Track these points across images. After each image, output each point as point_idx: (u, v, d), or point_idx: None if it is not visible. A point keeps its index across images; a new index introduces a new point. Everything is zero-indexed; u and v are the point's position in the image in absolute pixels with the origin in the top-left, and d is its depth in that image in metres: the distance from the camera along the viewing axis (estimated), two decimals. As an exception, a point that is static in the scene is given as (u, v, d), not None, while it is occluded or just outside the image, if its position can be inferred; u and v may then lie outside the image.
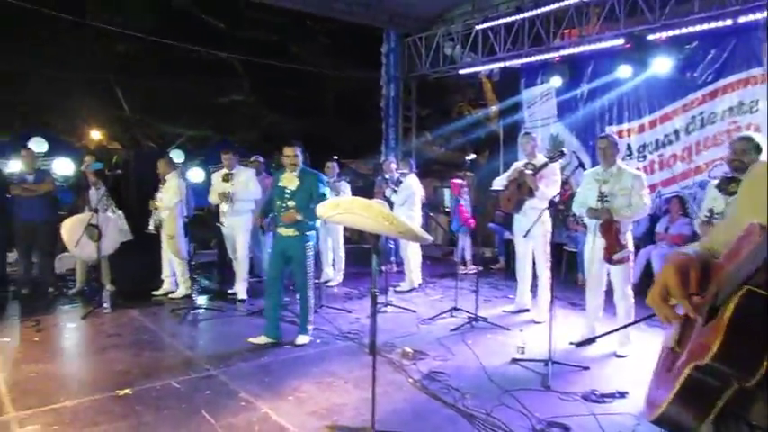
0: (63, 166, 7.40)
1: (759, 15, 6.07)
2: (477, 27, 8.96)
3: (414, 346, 4.70)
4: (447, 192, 15.35)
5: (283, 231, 4.82)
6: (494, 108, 11.88)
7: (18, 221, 6.30)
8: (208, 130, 15.32)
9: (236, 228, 6.28)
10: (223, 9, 13.90)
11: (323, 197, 4.71)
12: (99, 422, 3.32)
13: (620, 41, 7.26)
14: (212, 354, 4.61)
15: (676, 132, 7.23)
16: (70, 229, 5.87)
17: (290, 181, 4.82)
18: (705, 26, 6.52)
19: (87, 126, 14.32)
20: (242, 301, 6.28)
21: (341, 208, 2.87)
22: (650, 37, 6.95)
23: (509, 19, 8.50)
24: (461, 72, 9.67)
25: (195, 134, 15.00)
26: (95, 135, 14.37)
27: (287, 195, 4.79)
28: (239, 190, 6.16)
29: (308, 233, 4.82)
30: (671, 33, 6.84)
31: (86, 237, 5.83)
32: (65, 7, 10.80)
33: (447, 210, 12.18)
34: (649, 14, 6.89)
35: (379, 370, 4.18)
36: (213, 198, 6.30)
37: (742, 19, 6.22)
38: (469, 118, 14.52)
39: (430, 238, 3.26)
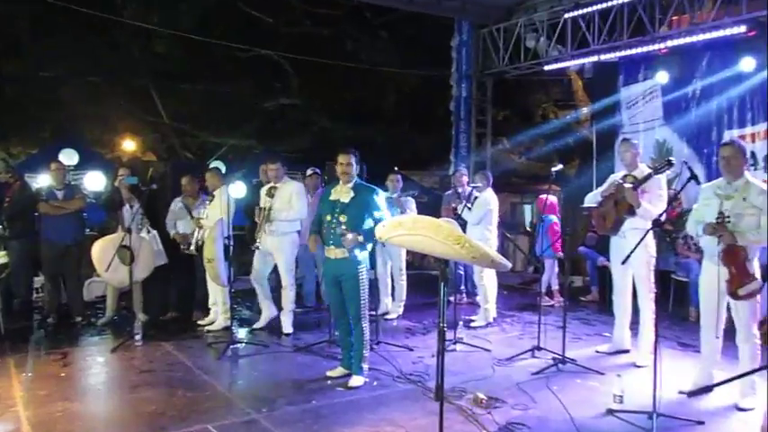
0: (94, 181, 7.74)
1: None
2: (566, 15, 8.95)
3: (488, 392, 4.63)
4: (528, 208, 15.21)
5: (332, 253, 4.87)
6: (585, 110, 11.71)
7: (46, 242, 6.64)
8: (251, 138, 15.82)
9: (276, 251, 6.38)
10: (270, 2, 14.40)
11: (380, 213, 4.80)
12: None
13: (742, 29, 7.06)
14: (254, 395, 4.70)
15: (815, 138, 6.89)
16: (101, 250, 6.17)
17: (343, 194, 4.86)
18: None
19: (120, 136, 15.12)
20: (287, 335, 6.40)
21: (404, 228, 2.90)
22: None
23: (605, 5, 8.44)
24: (546, 68, 9.64)
25: (238, 143, 15.52)
26: (129, 145, 15.13)
27: (338, 210, 4.82)
28: (279, 206, 6.27)
29: (360, 255, 4.84)
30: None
31: (118, 260, 6.11)
32: (97, 4, 11.50)
33: (528, 230, 12.04)
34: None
35: (446, 419, 4.18)
36: (255, 217, 6.46)
37: None
38: (555, 122, 14.39)
39: (508, 264, 3.24)
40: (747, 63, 7.08)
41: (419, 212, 7.22)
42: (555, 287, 8.31)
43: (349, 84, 15.71)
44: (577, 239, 8.58)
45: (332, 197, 4.93)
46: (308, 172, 7.48)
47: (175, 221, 6.90)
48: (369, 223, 4.78)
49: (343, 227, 4.73)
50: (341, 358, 5.14)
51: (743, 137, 7.45)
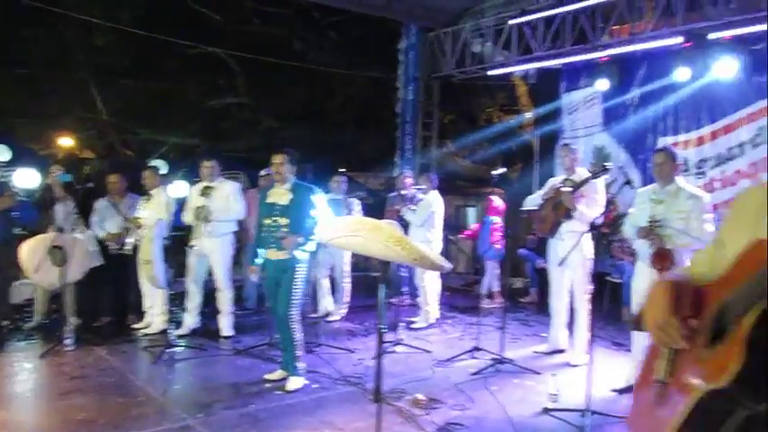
0: (26, 178, 7.44)
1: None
2: (511, 22, 9.05)
3: (427, 393, 4.67)
4: (472, 211, 15.38)
5: (272, 255, 4.81)
6: (528, 115, 11.92)
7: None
8: (195, 136, 15.51)
9: (212, 252, 6.23)
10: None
11: (316, 213, 4.76)
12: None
13: (679, 40, 7.26)
14: (190, 400, 4.62)
15: (741, 145, 7.17)
16: (30, 251, 5.91)
17: (280, 196, 4.81)
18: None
19: (56, 132, 14.56)
20: (227, 337, 6.28)
21: (345, 230, 2.88)
22: (712, 35, 6.95)
23: (549, 12, 8.57)
24: (491, 73, 9.75)
25: (180, 141, 15.20)
26: (66, 142, 14.57)
27: (276, 212, 4.78)
28: (218, 207, 6.13)
29: (300, 256, 4.80)
30: (737, 32, 6.84)
31: (49, 261, 5.89)
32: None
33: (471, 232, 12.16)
34: (712, 9, 6.91)
35: (385, 421, 4.19)
36: (189, 217, 6.24)
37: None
38: (500, 126, 14.57)
39: (449, 265, 3.27)
40: (682, 73, 7.31)
41: (365, 214, 7.21)
42: (496, 289, 8.43)
43: (297, 84, 15.56)
44: (518, 242, 8.74)
45: (269, 200, 4.86)
46: (262, 173, 7.38)
47: (103, 221, 6.66)
48: (309, 223, 4.73)
49: (284, 230, 4.70)
50: (281, 361, 5.06)
51: (676, 144, 7.70)
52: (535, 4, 8.93)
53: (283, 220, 4.73)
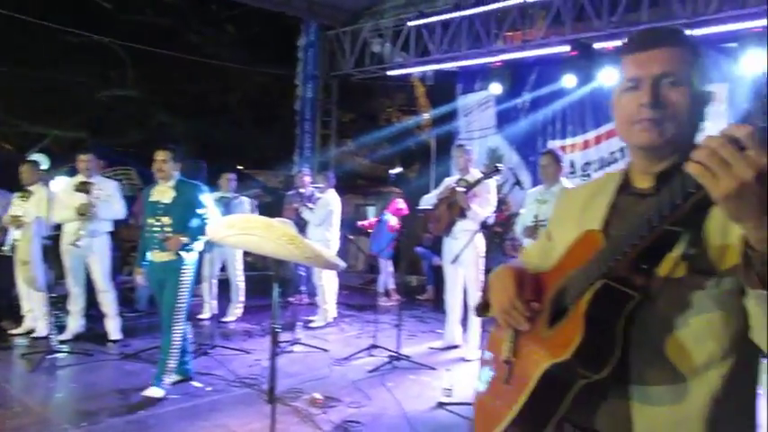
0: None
1: (706, 30, 6.59)
2: (410, 23, 9.20)
3: (324, 392, 4.66)
4: (371, 210, 15.52)
5: (157, 256, 4.58)
6: (426, 116, 12.17)
7: None
8: (81, 130, 14.66)
9: (92, 252, 5.92)
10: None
11: (202, 214, 4.60)
12: None
13: (566, 48, 7.63)
14: (73, 409, 4.38)
15: (622, 150, 7.66)
16: None
17: (162, 193, 4.59)
18: (653, 36, 7.01)
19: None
20: (115, 341, 5.99)
21: (236, 228, 2.82)
22: (597, 45, 7.38)
23: (446, 16, 8.79)
24: (390, 73, 9.88)
25: (63, 135, 14.31)
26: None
27: (160, 211, 4.56)
28: (102, 206, 5.85)
29: (186, 257, 4.59)
30: (619, 43, 7.29)
31: None
32: None
33: (368, 231, 12.28)
34: (597, 21, 7.33)
35: (282, 422, 4.15)
36: (65, 213, 5.82)
37: (688, 33, 6.73)
38: (398, 126, 14.77)
39: (342, 264, 3.27)
40: (569, 80, 7.70)
41: (263, 213, 7.07)
42: (391, 287, 8.55)
43: (192, 78, 15.05)
44: (414, 240, 8.90)
45: (152, 198, 4.63)
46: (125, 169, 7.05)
47: None
48: (195, 222, 4.56)
49: (167, 230, 4.49)
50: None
51: (564, 147, 8.11)
52: (433, 7, 9.13)
53: (166, 220, 4.52)
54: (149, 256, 4.63)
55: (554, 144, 8.13)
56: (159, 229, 4.52)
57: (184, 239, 4.46)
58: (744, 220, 0.90)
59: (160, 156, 4.55)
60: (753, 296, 0.98)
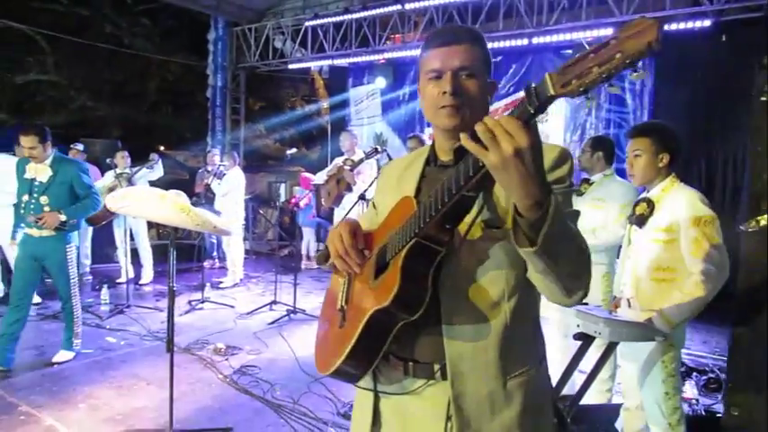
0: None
1: (548, 39, 6.95)
2: (308, 23, 9.04)
3: (228, 343, 4.63)
4: (283, 186, 15.33)
5: (34, 232, 3.95)
6: (324, 104, 12.08)
7: None
8: (3, 111, 13.42)
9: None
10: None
11: (90, 190, 4.06)
12: None
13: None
14: (-9, 365, 4.09)
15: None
16: None
17: (38, 171, 3.91)
18: (507, 43, 7.30)
19: None
20: (36, 304, 5.61)
21: (131, 198, 2.72)
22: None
23: (338, 18, 8.71)
24: (291, 66, 9.68)
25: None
26: None
27: (36, 190, 3.91)
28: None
29: (68, 233, 4.04)
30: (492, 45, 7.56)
31: None
32: None
33: (280, 206, 12.14)
34: (463, 25, 7.52)
35: (187, 368, 4.10)
36: None
37: (535, 40, 7.08)
38: (302, 112, 14.60)
39: (230, 230, 3.24)
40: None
41: (179, 187, 6.74)
42: (313, 252, 8.52)
43: (111, 66, 14.12)
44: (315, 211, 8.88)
45: (27, 174, 3.94)
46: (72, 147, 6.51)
47: None
48: (75, 200, 4.02)
49: (46, 209, 3.90)
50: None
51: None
52: (327, 10, 9.03)
53: (44, 198, 3.91)
54: (26, 230, 4.02)
55: (429, 131, 8.34)
56: (36, 206, 3.92)
57: (62, 216, 3.91)
58: (511, 190, 0.96)
59: (28, 142, 3.82)
60: (522, 253, 1.04)
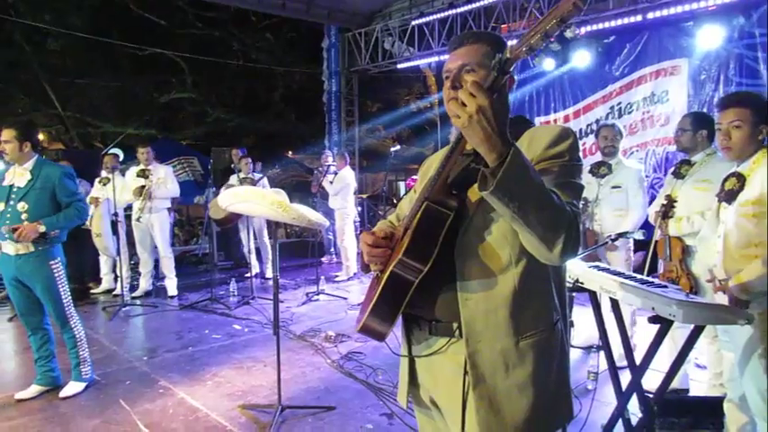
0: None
1: (665, 12, 6.49)
2: (414, 22, 9.22)
3: (338, 331, 4.93)
4: (402, 185, 15.75)
5: (11, 249, 3.42)
6: (434, 99, 12.21)
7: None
8: (151, 127, 15.18)
9: (155, 225, 6.23)
10: (162, 5, 13.77)
11: (74, 197, 3.53)
12: (13, 417, 3.41)
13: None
14: (138, 347, 4.74)
15: (598, 121, 7.61)
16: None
17: (17, 176, 3.45)
18: (620, 21, 6.93)
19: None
20: (173, 297, 6.36)
21: (238, 197, 3.05)
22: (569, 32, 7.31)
23: (443, 14, 8.80)
24: (399, 66, 9.92)
25: (138, 132, 14.85)
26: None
27: (14, 196, 3.41)
28: (157, 187, 6.15)
29: (51, 248, 3.51)
30: (590, 28, 7.23)
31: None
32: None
33: (395, 202, 12.44)
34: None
35: (300, 353, 4.45)
36: (128, 196, 6.18)
37: (650, 15, 6.65)
38: (415, 109, 14.86)
39: (326, 223, 3.47)
40: (548, 63, 7.67)
41: (301, 187, 7.16)
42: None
43: (240, 80, 15.40)
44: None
45: (5, 182, 3.48)
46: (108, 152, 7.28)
47: None
48: (58, 208, 3.50)
49: (24, 217, 3.38)
50: (47, 370, 3.76)
51: (547, 122, 8.11)
52: (432, 7, 9.15)
53: (21, 205, 3.39)
54: (3, 247, 3.49)
55: (539, 120, 8.14)
56: (13, 215, 3.39)
57: (41, 228, 3.37)
58: (477, 146, 1.11)
59: (3, 135, 3.40)
60: (485, 197, 1.14)
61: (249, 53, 15.06)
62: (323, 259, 8.45)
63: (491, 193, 1.10)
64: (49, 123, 14.86)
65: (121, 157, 9.69)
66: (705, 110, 6.64)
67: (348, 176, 7.17)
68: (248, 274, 7.17)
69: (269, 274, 7.36)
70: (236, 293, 6.39)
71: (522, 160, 1.11)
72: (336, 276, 7.29)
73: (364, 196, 11.05)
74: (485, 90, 1.07)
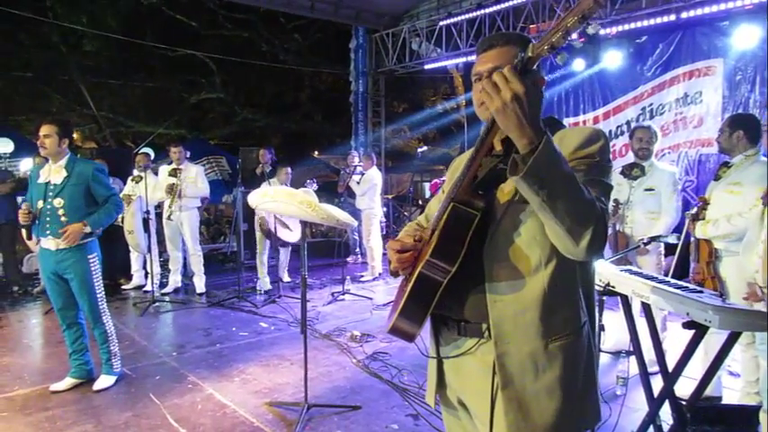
0: (29, 167, 7.52)
1: (699, 11, 6.36)
2: (441, 23, 9.20)
3: (363, 331, 4.93)
4: (427, 186, 15.74)
5: (51, 244, 3.56)
6: (461, 99, 12.16)
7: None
8: (182, 127, 15.45)
9: (185, 223, 6.34)
10: (193, 7, 14.01)
11: (110, 191, 3.66)
12: (49, 408, 3.50)
13: (574, 35, 7.48)
14: (167, 342, 4.82)
15: (628, 123, 7.49)
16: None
17: (54, 173, 3.56)
18: (652, 21, 6.81)
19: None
20: (201, 294, 6.46)
21: (268, 197, 3.08)
22: (602, 32, 7.21)
23: (471, 15, 8.75)
24: (426, 67, 9.90)
25: (168, 132, 15.13)
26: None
27: (51, 194, 3.53)
28: (188, 186, 6.25)
29: (90, 242, 3.64)
30: (621, 28, 7.12)
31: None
32: (26, 5, 10.84)
33: (419, 204, 12.44)
34: (602, 10, 7.15)
35: (326, 352, 4.47)
36: (159, 194, 6.31)
37: (684, 15, 6.52)
38: (441, 109, 14.80)
39: (354, 223, 3.49)
40: (578, 64, 7.57)
41: (330, 188, 7.22)
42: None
43: (268, 80, 15.55)
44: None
45: (41, 179, 3.59)
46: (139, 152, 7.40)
47: None
48: (93, 205, 3.63)
49: (61, 212, 3.52)
50: (79, 364, 3.86)
51: (577, 123, 8.00)
52: (460, 8, 9.11)
53: (58, 201, 3.52)
54: (43, 243, 3.62)
55: (569, 121, 8.03)
56: (52, 212, 3.53)
57: (87, 229, 3.54)
58: (510, 131, 1.11)
59: (45, 130, 3.50)
60: (514, 183, 1.14)
61: (277, 54, 15.21)
62: (348, 259, 8.48)
63: (521, 178, 1.10)
64: (83, 123, 15.25)
65: (152, 156, 9.90)
66: (741, 109, 6.49)
67: (375, 177, 7.19)
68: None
69: (285, 278, 7.16)
70: (262, 292, 6.46)
71: (554, 148, 1.11)
72: (362, 276, 7.32)
73: (390, 197, 11.08)
74: (520, 77, 1.08)
